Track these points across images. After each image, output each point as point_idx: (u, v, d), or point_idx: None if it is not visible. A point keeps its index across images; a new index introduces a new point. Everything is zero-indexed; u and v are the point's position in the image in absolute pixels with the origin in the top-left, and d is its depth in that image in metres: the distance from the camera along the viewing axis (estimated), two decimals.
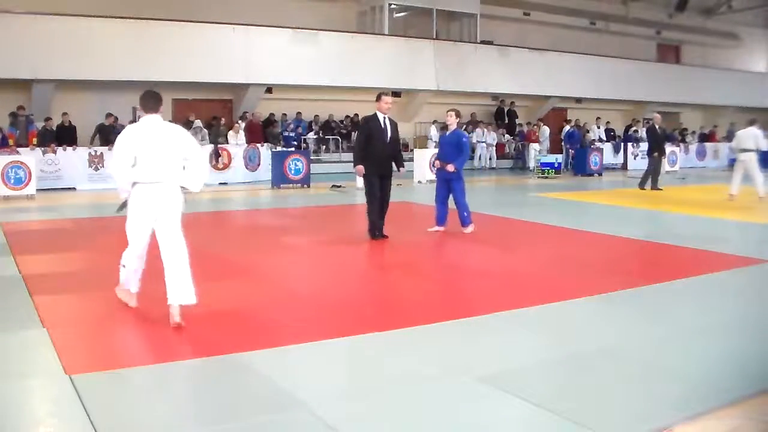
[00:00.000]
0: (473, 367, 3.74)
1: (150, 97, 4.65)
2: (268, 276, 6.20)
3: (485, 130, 20.80)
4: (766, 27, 29.02)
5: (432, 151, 16.70)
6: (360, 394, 3.44)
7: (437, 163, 8.48)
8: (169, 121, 16.07)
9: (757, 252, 7.05)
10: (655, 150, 14.40)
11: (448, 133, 8.46)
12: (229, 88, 18.08)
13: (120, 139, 4.60)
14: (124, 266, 4.78)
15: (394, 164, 7.92)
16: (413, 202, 12.50)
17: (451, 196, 8.41)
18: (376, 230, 7.88)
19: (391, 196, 8.03)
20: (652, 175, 14.36)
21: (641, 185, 14.32)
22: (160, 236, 4.54)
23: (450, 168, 8.15)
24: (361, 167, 7.73)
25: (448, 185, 8.37)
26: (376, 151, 7.74)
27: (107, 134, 14.87)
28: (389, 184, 7.97)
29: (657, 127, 14.56)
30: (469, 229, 8.28)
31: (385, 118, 7.89)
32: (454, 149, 8.23)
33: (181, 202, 4.62)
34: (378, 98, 7.92)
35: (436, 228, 8.36)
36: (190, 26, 16.14)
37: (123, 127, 15.44)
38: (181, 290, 4.45)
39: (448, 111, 8.47)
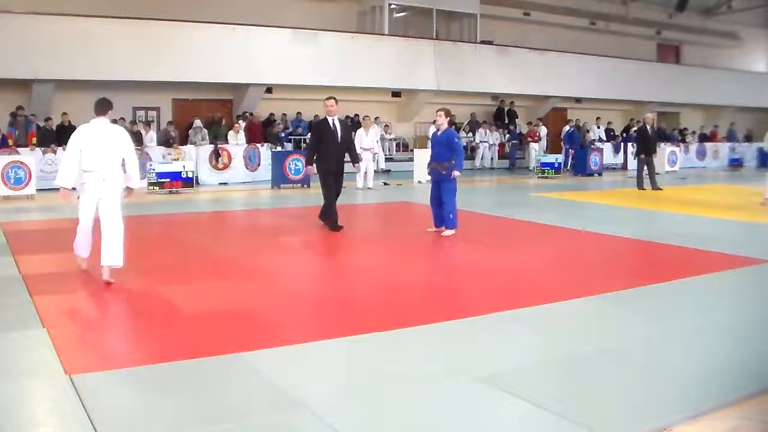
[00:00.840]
0: (473, 367, 3.74)
1: (100, 103, 5.90)
2: (268, 276, 6.20)
3: (488, 130, 20.81)
4: (766, 27, 29.00)
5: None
6: (360, 394, 3.44)
7: (434, 164, 8.29)
8: (169, 121, 16.24)
9: (757, 252, 7.05)
10: (642, 152, 14.43)
11: (439, 133, 8.34)
12: (229, 88, 18.06)
13: (72, 136, 5.79)
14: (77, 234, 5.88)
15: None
16: (413, 202, 12.50)
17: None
18: (335, 221, 8.47)
19: (342, 189, 8.92)
20: (649, 176, 14.37)
21: (639, 186, 14.34)
22: (101, 212, 5.69)
23: (456, 174, 8.08)
24: (310, 168, 8.55)
25: (440, 186, 8.23)
26: (329, 151, 8.44)
27: None
28: (342, 179, 8.78)
29: (648, 128, 14.56)
30: (449, 232, 8.10)
31: (333, 120, 8.57)
32: (445, 149, 8.15)
33: (120, 187, 5.78)
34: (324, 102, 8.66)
35: (435, 229, 8.32)
36: (189, 26, 16.12)
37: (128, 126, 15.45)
38: (111, 255, 5.54)
39: (437, 110, 8.34)
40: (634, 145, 21.38)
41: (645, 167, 14.44)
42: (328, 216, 8.50)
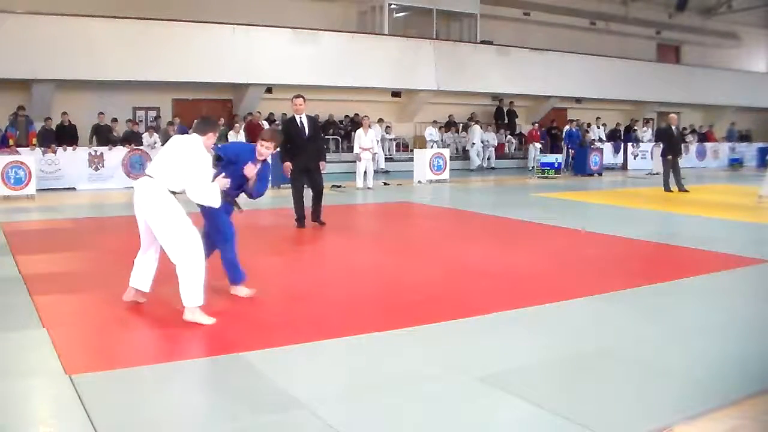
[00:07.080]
0: (473, 367, 3.74)
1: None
2: (267, 276, 6.19)
3: (484, 132, 20.83)
4: (766, 27, 28.99)
5: (432, 151, 16.67)
6: (360, 394, 3.44)
7: None
8: (169, 121, 16.24)
9: (757, 252, 7.04)
10: (669, 152, 14.13)
11: None
12: (229, 88, 18.07)
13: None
14: None
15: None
16: (413, 202, 12.51)
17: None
18: (302, 219, 8.58)
19: (324, 185, 9.03)
20: (664, 174, 14.10)
21: (679, 187, 13.84)
22: None
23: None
24: (288, 164, 8.32)
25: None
26: (298, 148, 8.41)
27: (105, 134, 14.86)
28: (319, 176, 8.72)
29: (673, 128, 14.36)
30: (243, 291, 5.30)
31: (301, 117, 8.61)
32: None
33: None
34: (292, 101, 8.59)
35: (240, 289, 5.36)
36: (190, 26, 16.13)
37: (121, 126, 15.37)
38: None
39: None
40: (635, 144, 21.55)
41: (672, 168, 14.06)
42: (299, 215, 8.64)
